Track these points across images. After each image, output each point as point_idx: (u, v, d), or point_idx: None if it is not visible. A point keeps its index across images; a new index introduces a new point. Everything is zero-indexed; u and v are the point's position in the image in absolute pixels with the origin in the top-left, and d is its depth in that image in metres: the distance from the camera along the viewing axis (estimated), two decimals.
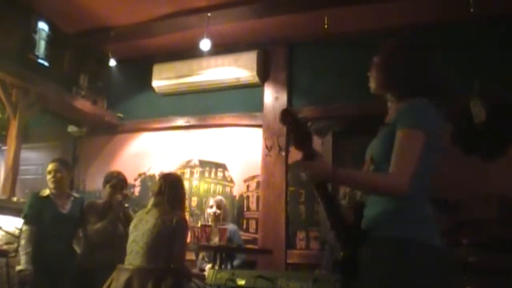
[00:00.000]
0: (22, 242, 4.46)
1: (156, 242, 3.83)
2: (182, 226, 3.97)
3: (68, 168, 5.01)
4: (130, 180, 5.66)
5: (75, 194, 5.03)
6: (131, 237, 4.00)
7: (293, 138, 2.22)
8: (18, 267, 4.38)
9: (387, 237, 2.07)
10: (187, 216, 5.99)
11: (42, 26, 5.75)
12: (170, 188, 4.11)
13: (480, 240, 4.23)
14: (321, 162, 2.17)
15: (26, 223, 4.54)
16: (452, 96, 2.31)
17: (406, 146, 2.05)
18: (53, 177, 4.74)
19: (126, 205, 4.76)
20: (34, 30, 5.64)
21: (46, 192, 4.76)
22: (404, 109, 2.16)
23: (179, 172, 6.21)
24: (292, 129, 2.23)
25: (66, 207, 4.76)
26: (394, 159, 2.06)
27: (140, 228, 3.96)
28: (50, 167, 4.79)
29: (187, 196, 5.84)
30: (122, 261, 4.03)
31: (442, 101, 2.23)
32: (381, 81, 2.34)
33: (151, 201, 4.14)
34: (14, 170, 5.52)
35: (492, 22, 5.09)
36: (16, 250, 4.61)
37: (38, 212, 4.59)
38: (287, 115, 2.24)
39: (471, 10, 4.60)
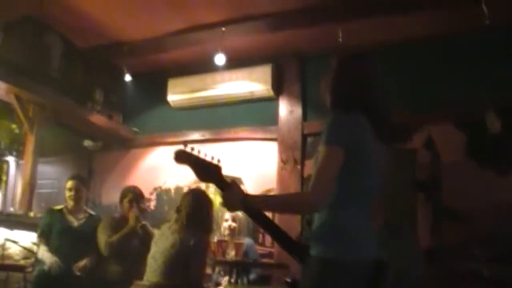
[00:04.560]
0: (40, 250, 4.55)
1: (173, 262, 3.81)
2: (200, 247, 3.87)
3: (87, 185, 5.06)
4: (145, 194, 5.65)
5: (91, 211, 5.04)
6: (151, 252, 3.98)
7: (196, 174, 2.26)
8: (47, 265, 4.47)
9: (311, 256, 2.09)
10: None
11: (57, 41, 5.80)
12: (193, 205, 4.04)
13: (494, 253, 4.20)
14: (232, 192, 2.19)
15: (39, 239, 4.67)
16: (381, 106, 2.26)
17: (321, 163, 2.05)
18: (73, 195, 4.79)
19: (144, 222, 4.73)
20: (49, 45, 5.70)
21: (61, 206, 4.82)
22: (323, 127, 2.15)
23: (194, 186, 6.22)
24: (192, 167, 2.26)
25: (78, 222, 4.79)
26: (312, 176, 2.07)
27: (160, 245, 3.93)
28: (70, 184, 4.83)
29: None
30: (136, 275, 4.04)
31: (371, 112, 2.19)
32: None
33: (174, 217, 4.10)
34: (31, 185, 5.54)
35: (508, 33, 5.06)
36: (33, 265, 4.65)
37: (49, 226, 4.66)
38: (180, 156, 2.29)
39: (487, 22, 4.58)
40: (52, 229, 4.67)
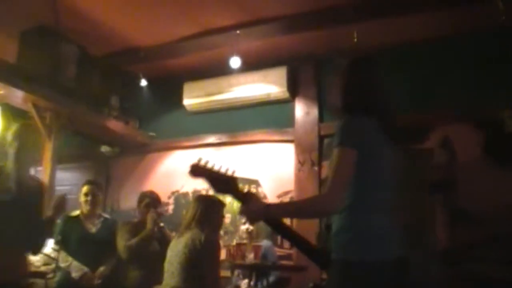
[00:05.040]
0: (62, 258, 4.59)
1: (188, 263, 3.85)
2: (209, 246, 3.93)
3: (102, 189, 5.12)
4: (163, 198, 5.69)
5: (106, 215, 5.10)
6: (167, 258, 4.04)
7: (212, 187, 2.29)
8: (76, 274, 4.53)
9: (332, 259, 2.12)
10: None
11: (72, 50, 5.84)
12: (204, 211, 4.12)
13: (506, 255, 4.15)
14: (253, 203, 2.21)
15: (58, 245, 4.72)
16: (385, 108, 2.32)
17: (334, 165, 2.08)
18: (89, 200, 4.83)
19: (162, 224, 4.80)
20: (64, 54, 5.74)
21: (77, 212, 4.86)
22: (335, 130, 2.19)
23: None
24: (208, 180, 2.29)
25: (95, 228, 4.84)
26: (327, 179, 2.09)
27: (174, 249, 4.00)
28: (86, 189, 4.89)
29: None
30: (155, 280, 4.07)
31: (377, 113, 2.24)
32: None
33: (185, 223, 4.15)
34: (49, 192, 5.58)
35: None
36: (54, 271, 4.69)
37: (66, 233, 4.70)
38: (195, 170, 2.32)
39: (503, 18, 4.53)
40: (70, 236, 4.72)
